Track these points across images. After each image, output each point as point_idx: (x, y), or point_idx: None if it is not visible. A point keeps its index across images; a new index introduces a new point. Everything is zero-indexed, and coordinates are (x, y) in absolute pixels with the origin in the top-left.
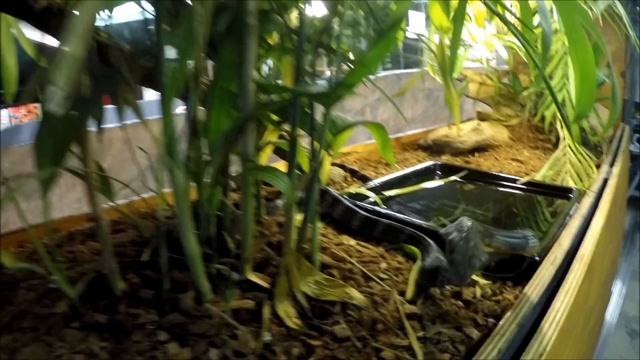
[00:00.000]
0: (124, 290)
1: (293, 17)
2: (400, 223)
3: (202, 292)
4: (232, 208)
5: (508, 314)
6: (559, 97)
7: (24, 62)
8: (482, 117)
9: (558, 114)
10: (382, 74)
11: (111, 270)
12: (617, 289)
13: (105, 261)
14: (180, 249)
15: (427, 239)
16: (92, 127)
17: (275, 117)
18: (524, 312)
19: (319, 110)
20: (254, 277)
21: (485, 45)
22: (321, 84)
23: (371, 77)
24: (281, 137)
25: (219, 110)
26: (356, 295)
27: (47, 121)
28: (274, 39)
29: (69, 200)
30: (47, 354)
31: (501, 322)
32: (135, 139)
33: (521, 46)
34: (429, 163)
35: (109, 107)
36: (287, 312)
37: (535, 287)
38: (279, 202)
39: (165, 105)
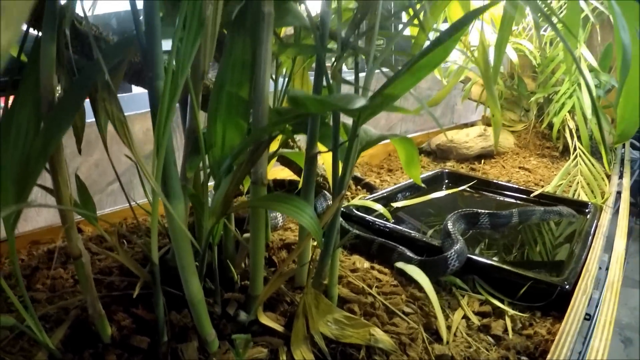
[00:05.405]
0: (113, 336)
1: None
2: None
3: (206, 341)
4: (237, 235)
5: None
6: (568, 105)
7: None
8: (487, 121)
9: (569, 122)
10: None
11: (97, 314)
12: None
13: (90, 305)
14: (175, 278)
15: None
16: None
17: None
18: (565, 354)
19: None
20: (266, 320)
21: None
22: (347, 93)
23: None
24: (285, 145)
25: (226, 122)
26: (382, 337)
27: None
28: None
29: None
30: None
31: None
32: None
33: (532, 50)
34: (437, 170)
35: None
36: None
37: (572, 323)
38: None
39: (160, 119)
